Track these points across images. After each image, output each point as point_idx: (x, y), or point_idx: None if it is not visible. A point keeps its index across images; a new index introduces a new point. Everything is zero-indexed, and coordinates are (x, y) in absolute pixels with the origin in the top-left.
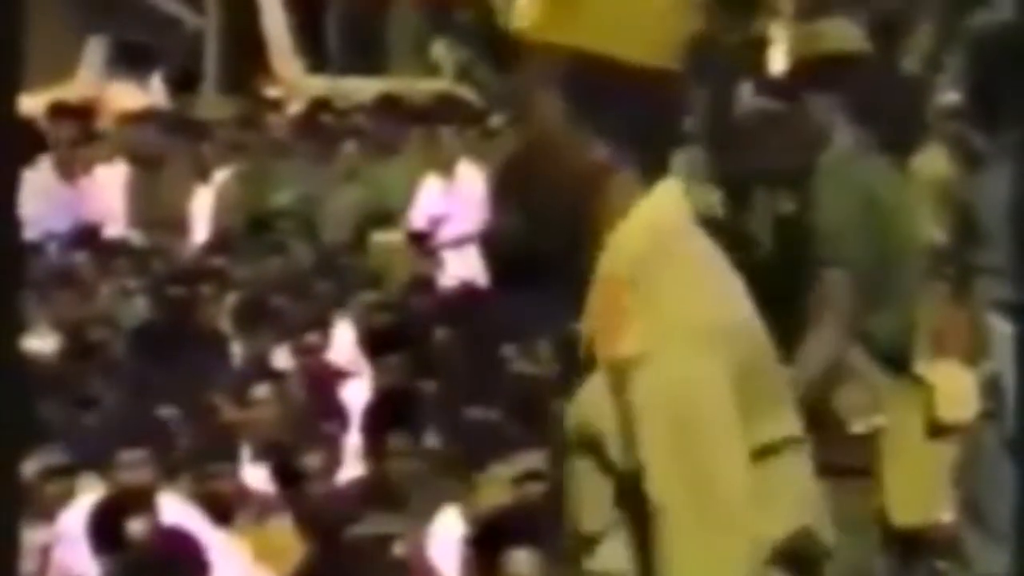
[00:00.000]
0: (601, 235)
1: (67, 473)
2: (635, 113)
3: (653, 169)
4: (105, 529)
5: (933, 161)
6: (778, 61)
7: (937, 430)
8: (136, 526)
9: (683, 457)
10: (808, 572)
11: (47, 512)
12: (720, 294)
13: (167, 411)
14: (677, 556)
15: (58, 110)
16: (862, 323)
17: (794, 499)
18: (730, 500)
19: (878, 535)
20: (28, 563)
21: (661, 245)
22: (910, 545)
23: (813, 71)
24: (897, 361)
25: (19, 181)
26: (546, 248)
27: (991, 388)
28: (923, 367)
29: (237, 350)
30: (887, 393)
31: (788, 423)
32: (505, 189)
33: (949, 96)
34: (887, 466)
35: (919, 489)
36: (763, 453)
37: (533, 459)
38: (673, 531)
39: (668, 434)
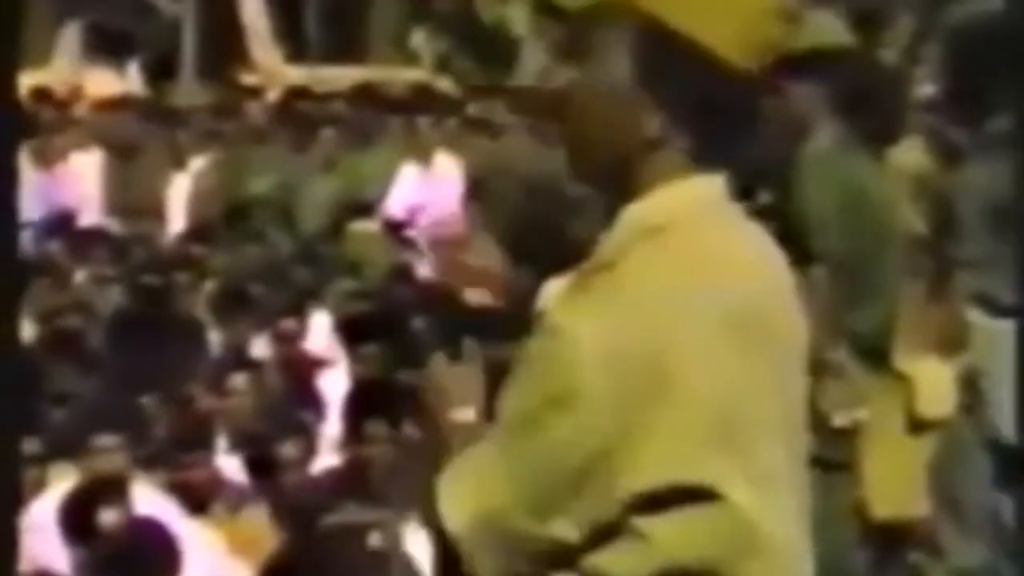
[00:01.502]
0: (627, 201)
1: (39, 462)
2: (700, 94)
3: (704, 155)
4: (77, 519)
5: (910, 154)
6: None
7: (917, 425)
8: (108, 516)
9: (535, 409)
10: None
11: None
12: (688, 312)
13: (143, 400)
14: (465, 462)
15: (34, 95)
16: (843, 318)
17: (673, 545)
18: (539, 477)
19: (857, 528)
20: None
21: (669, 229)
22: (888, 538)
23: (795, 64)
24: (878, 356)
25: (17, 169)
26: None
27: (969, 382)
28: (903, 362)
29: (214, 339)
30: (868, 388)
31: (701, 471)
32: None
33: (926, 88)
34: (867, 460)
35: (898, 483)
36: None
37: None
38: (483, 452)
39: (536, 383)
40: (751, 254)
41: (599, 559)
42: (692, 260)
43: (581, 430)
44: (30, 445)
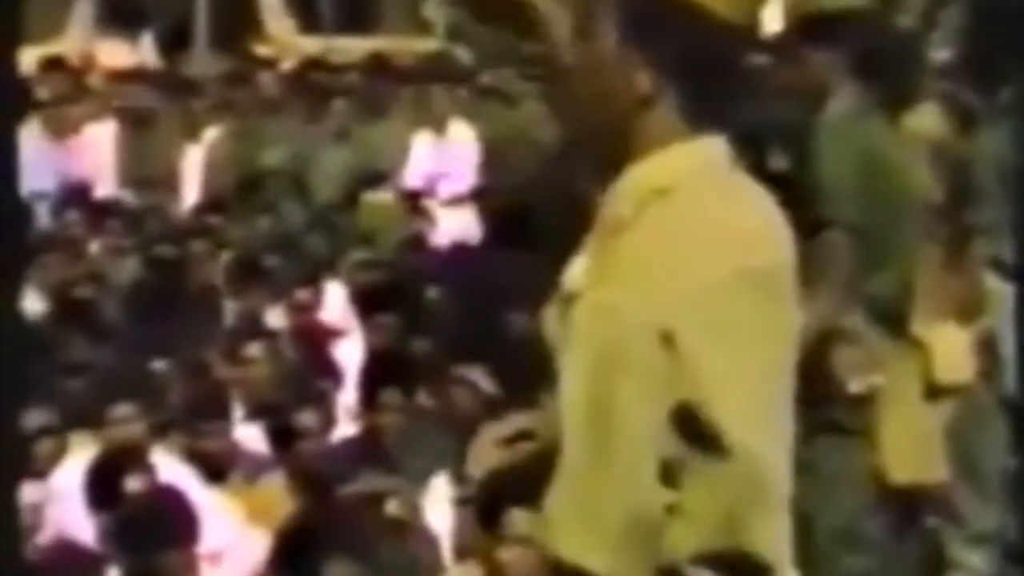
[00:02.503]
0: (625, 165)
1: (58, 432)
2: (687, 51)
3: (698, 112)
4: (102, 486)
5: (926, 119)
6: (773, 19)
7: (934, 391)
8: (133, 483)
9: (595, 389)
10: None
11: (38, 471)
12: (700, 271)
13: (159, 371)
14: (561, 488)
15: (47, 66)
16: (861, 284)
17: (723, 515)
18: (625, 449)
19: (872, 493)
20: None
21: (675, 191)
22: (905, 504)
23: (812, 29)
24: (895, 322)
25: (17, 141)
26: (582, 167)
27: (986, 346)
28: (920, 328)
29: (229, 309)
30: (885, 354)
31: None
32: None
33: (942, 53)
34: (884, 426)
35: (915, 448)
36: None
37: (525, 419)
38: (568, 463)
39: (590, 363)
40: (756, 216)
41: None
42: (701, 221)
43: (645, 392)
44: (46, 416)
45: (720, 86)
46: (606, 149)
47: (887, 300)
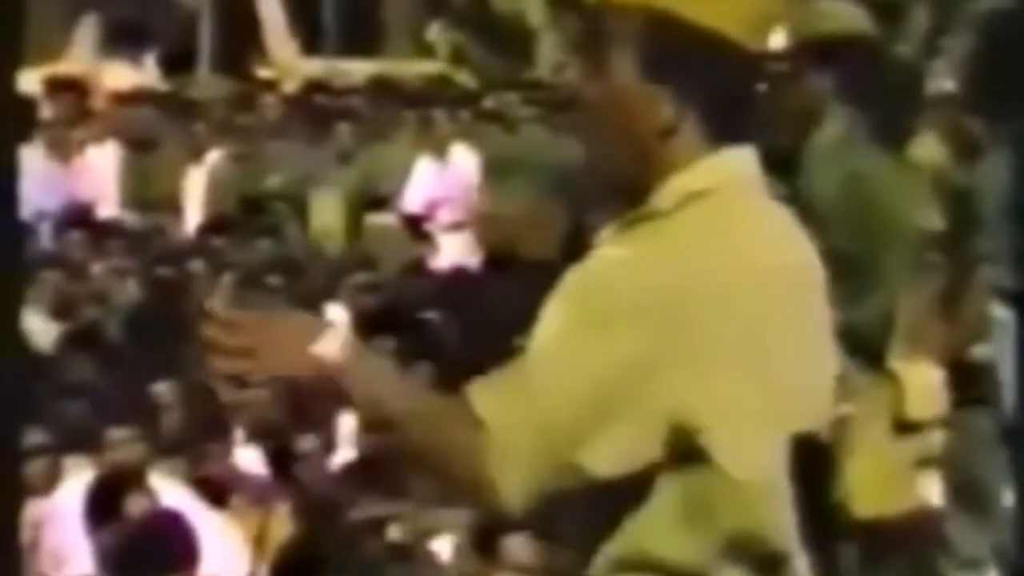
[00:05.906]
0: (647, 192)
1: (53, 453)
2: (707, 77)
3: (720, 136)
4: (101, 507)
5: (928, 148)
6: (777, 41)
7: (903, 426)
8: (133, 505)
9: (555, 328)
10: (766, 571)
11: (34, 492)
12: (726, 262)
13: (160, 392)
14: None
15: (52, 86)
16: (840, 312)
17: (736, 504)
18: (546, 397)
19: (840, 527)
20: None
21: (714, 193)
22: (873, 536)
23: (811, 52)
24: (872, 353)
25: (18, 162)
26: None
27: (986, 374)
28: (896, 362)
29: None
30: (857, 384)
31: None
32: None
33: (945, 82)
34: (850, 458)
35: (880, 482)
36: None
37: None
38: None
39: (572, 303)
40: (789, 224)
41: (651, 542)
42: (735, 219)
43: (616, 352)
44: (41, 436)
45: (734, 110)
46: (627, 178)
47: (867, 331)
